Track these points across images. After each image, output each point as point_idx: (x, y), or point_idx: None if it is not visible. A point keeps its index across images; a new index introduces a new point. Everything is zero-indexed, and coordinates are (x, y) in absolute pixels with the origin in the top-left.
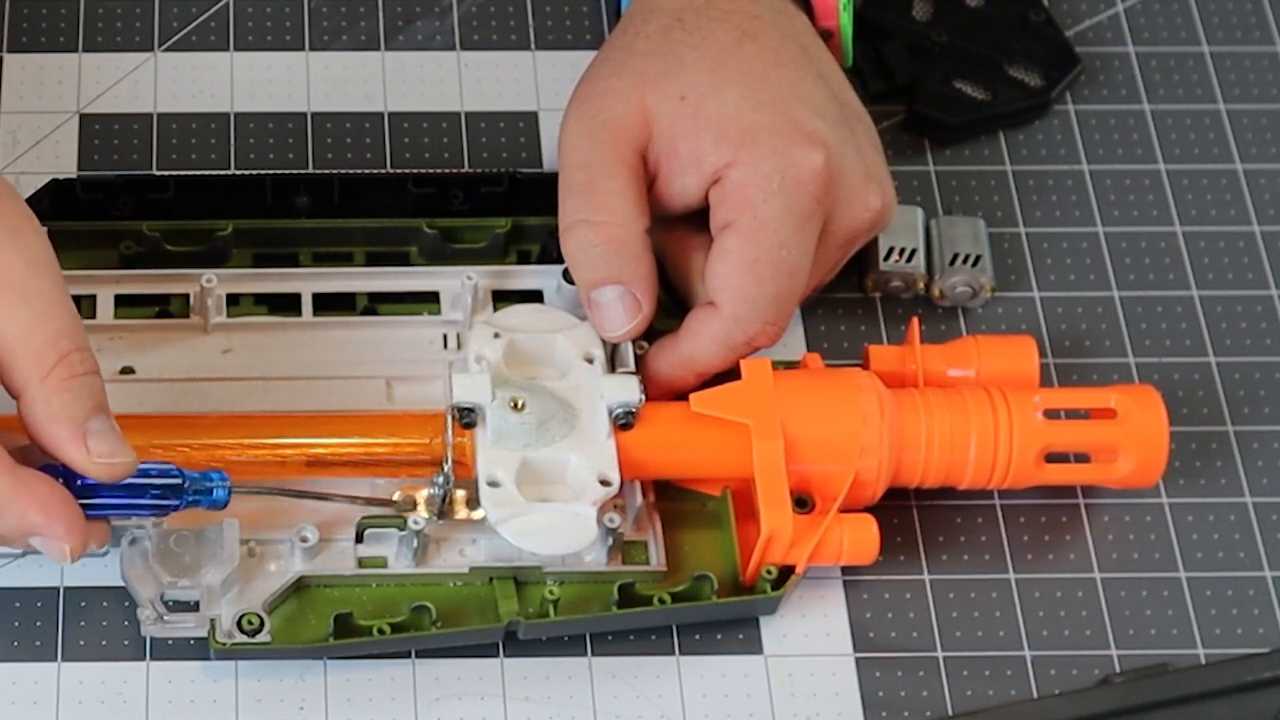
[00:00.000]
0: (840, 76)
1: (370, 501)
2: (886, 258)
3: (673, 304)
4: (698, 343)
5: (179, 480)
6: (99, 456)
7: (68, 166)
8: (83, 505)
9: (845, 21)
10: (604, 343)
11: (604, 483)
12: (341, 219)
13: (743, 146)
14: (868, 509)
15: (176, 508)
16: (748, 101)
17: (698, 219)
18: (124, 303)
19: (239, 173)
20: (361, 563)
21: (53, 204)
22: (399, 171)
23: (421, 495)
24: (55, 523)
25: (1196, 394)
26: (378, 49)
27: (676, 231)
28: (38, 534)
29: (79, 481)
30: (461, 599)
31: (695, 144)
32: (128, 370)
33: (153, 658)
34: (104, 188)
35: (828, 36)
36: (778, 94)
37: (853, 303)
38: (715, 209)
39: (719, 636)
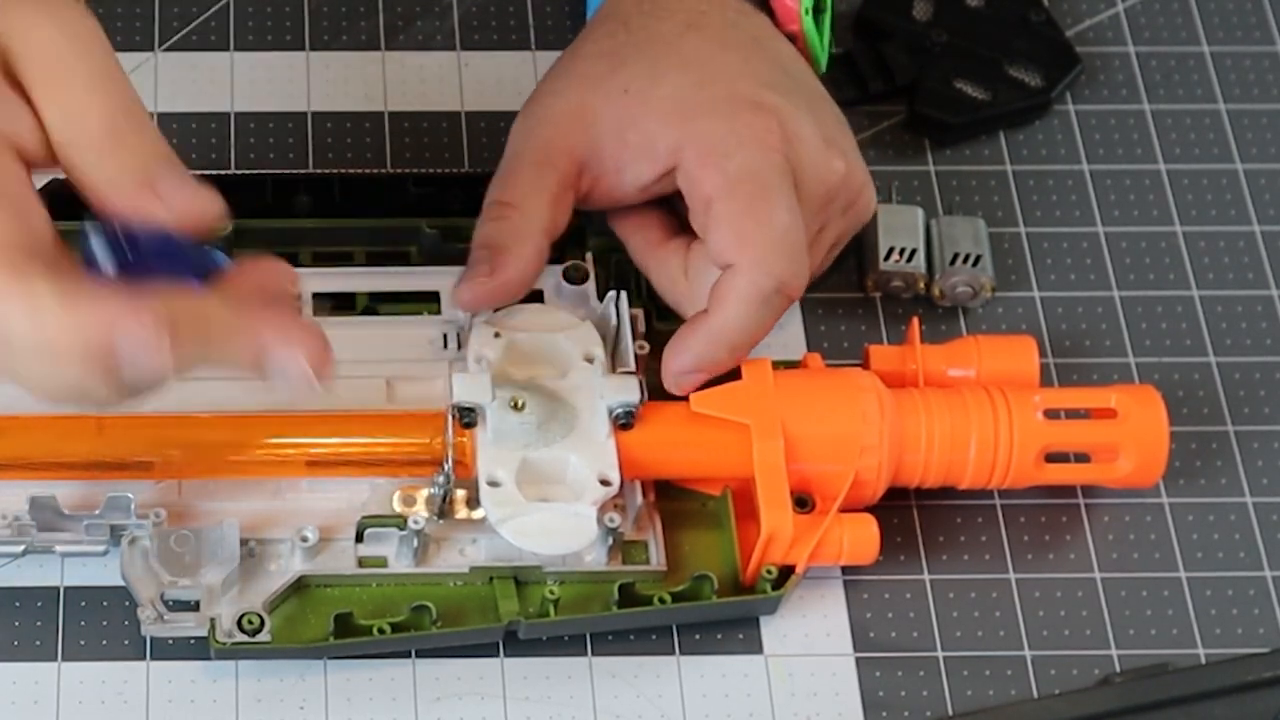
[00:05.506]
0: (801, 65)
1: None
2: (886, 258)
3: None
4: (728, 309)
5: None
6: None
7: None
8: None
9: (809, 25)
10: (604, 342)
11: (604, 483)
12: (341, 219)
13: (690, 121)
14: (868, 509)
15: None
16: (690, 81)
17: (672, 228)
18: None
19: (239, 172)
20: (361, 562)
21: (53, 204)
22: (399, 171)
23: (421, 495)
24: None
25: (1196, 394)
26: (378, 49)
27: (653, 243)
28: (274, 351)
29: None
30: (461, 599)
31: (643, 130)
32: None
33: (153, 658)
34: None
35: (793, 41)
36: (721, 73)
37: (853, 303)
38: (689, 194)
39: (719, 636)
